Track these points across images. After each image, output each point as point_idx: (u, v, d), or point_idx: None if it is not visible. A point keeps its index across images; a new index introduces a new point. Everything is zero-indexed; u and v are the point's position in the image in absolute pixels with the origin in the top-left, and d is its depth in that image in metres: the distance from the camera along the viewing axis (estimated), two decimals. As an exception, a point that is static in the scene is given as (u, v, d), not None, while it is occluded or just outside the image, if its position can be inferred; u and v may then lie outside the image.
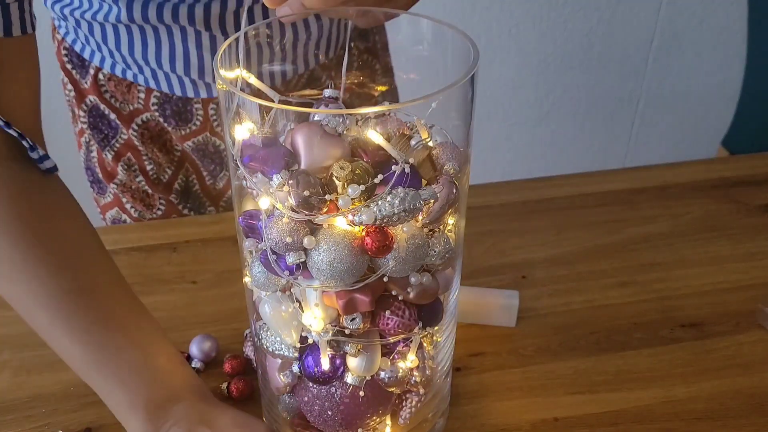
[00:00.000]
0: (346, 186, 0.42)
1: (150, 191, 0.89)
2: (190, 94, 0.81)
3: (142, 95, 0.82)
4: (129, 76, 0.81)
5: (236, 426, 0.52)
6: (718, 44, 1.81)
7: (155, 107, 0.83)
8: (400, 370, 0.51)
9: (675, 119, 1.93)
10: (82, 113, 0.86)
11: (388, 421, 0.55)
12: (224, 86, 0.45)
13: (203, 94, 0.81)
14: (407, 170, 0.43)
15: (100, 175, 0.91)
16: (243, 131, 0.45)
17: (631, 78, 1.84)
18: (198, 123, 0.84)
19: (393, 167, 0.43)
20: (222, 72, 0.46)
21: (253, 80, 0.49)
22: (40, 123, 0.60)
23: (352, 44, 0.83)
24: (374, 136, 0.44)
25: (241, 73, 0.48)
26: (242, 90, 0.47)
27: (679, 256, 0.79)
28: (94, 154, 0.90)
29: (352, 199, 0.42)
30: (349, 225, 0.44)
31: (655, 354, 0.67)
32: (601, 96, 1.85)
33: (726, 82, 1.83)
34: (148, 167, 0.87)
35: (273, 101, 0.47)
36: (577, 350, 0.67)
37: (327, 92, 0.49)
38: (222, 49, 0.47)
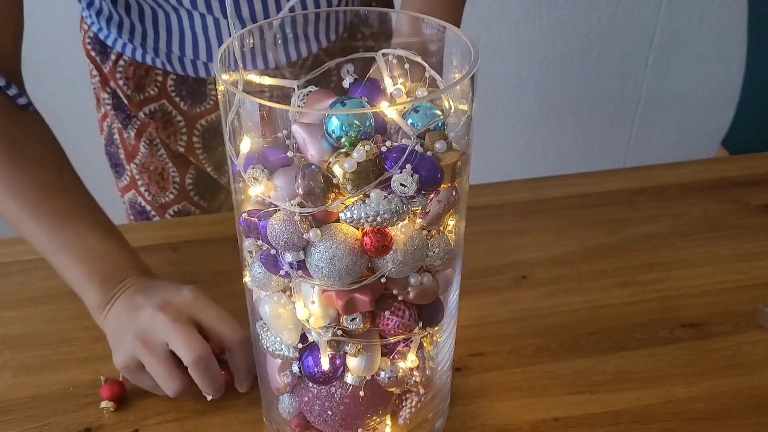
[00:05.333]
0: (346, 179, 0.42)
1: (170, 167, 0.91)
2: (203, 74, 0.84)
3: (160, 78, 0.85)
4: (148, 60, 0.84)
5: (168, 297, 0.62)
6: (718, 44, 1.81)
7: (172, 89, 0.85)
8: (400, 370, 0.51)
9: (675, 119, 1.93)
10: (106, 96, 0.89)
11: (388, 421, 0.55)
12: (224, 86, 0.45)
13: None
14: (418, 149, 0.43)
15: (122, 156, 0.94)
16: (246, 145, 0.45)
17: (631, 78, 1.84)
18: (212, 102, 0.87)
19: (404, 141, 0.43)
20: (223, 75, 0.46)
21: (268, 80, 0.49)
22: (19, 62, 0.69)
23: (357, 31, 0.83)
24: (388, 111, 0.44)
25: (241, 74, 0.48)
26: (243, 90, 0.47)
27: (679, 256, 0.79)
28: (117, 136, 0.93)
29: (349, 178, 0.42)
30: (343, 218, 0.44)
31: (655, 354, 0.67)
32: (601, 96, 1.85)
33: (726, 83, 1.83)
34: (168, 139, 0.90)
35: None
36: (577, 350, 0.67)
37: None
38: (221, 51, 0.47)
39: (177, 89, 0.85)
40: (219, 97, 0.48)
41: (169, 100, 0.86)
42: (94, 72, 0.89)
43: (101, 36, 0.85)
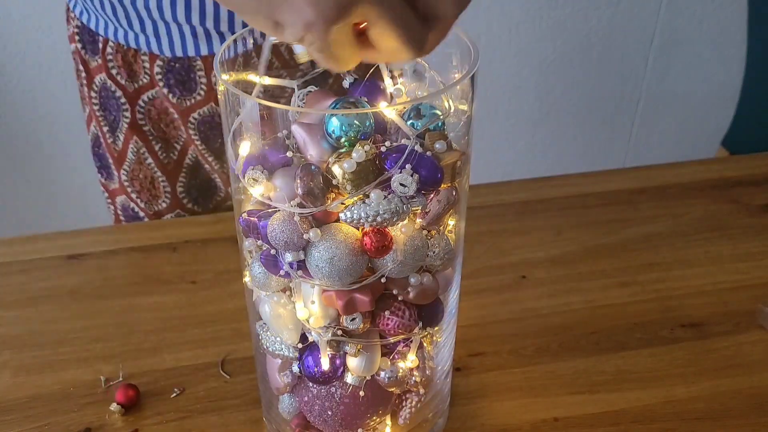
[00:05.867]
0: (346, 179, 0.43)
1: (159, 176, 0.90)
2: (191, 51, 0.82)
3: (147, 64, 0.84)
4: (131, 41, 0.82)
5: None
6: (718, 44, 1.81)
7: (159, 77, 0.84)
8: (400, 370, 0.51)
9: (675, 119, 1.93)
10: (93, 94, 0.88)
11: (388, 421, 0.55)
12: (224, 86, 0.45)
13: (204, 50, 0.82)
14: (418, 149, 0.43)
15: (110, 160, 0.92)
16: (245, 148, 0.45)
17: (631, 78, 1.83)
18: (202, 93, 0.85)
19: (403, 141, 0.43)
20: (223, 75, 0.46)
21: (268, 80, 0.49)
22: None
23: None
24: (388, 112, 0.43)
25: (261, 80, 0.48)
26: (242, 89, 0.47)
27: (679, 256, 0.79)
28: (103, 140, 0.91)
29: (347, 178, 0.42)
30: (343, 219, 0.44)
31: (655, 354, 0.67)
32: (601, 96, 1.85)
33: (726, 82, 1.83)
34: (156, 147, 0.89)
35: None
36: (577, 350, 0.67)
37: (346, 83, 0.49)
38: (221, 50, 0.47)
39: (164, 77, 0.84)
40: (219, 97, 0.48)
41: (159, 91, 0.86)
42: (81, 69, 0.88)
43: (84, 20, 0.85)
